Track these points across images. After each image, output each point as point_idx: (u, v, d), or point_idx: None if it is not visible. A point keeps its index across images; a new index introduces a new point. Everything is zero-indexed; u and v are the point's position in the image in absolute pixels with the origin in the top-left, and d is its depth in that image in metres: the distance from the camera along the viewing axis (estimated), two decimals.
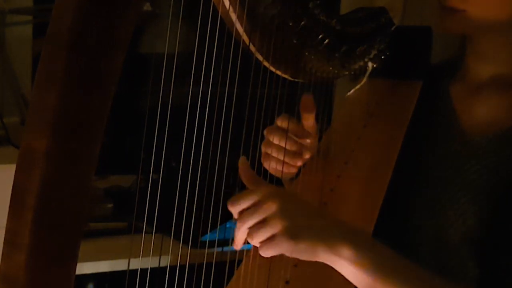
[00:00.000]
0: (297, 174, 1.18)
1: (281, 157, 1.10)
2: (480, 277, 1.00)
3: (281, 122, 1.10)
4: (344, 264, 0.86)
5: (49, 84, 0.61)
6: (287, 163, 1.11)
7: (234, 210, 0.88)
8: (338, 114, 1.29)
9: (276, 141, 1.10)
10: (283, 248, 0.85)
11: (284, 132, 1.09)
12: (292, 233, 0.85)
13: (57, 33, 0.60)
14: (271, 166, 1.13)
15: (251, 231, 0.86)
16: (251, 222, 0.86)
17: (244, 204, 0.87)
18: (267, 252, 0.86)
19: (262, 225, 0.85)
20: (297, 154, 1.12)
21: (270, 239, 0.85)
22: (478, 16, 1.02)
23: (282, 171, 1.12)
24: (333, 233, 0.87)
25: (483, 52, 1.09)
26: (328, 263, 0.87)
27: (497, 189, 1.02)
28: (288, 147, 1.09)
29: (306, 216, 0.88)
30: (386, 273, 0.87)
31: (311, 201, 1.12)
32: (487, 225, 1.01)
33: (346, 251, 0.85)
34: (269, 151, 1.12)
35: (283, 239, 0.84)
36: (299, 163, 1.13)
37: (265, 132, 1.12)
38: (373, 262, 0.87)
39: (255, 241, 0.86)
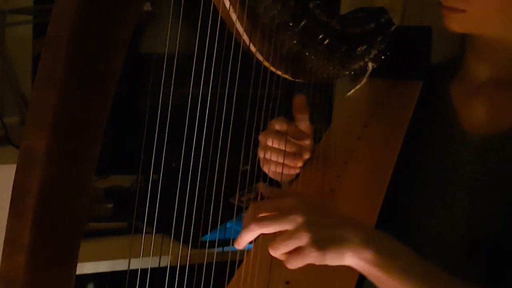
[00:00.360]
0: (296, 177, 1.18)
1: (281, 160, 1.10)
2: (481, 277, 1.00)
3: (279, 125, 1.10)
4: (368, 268, 0.88)
5: (49, 84, 0.61)
6: (287, 165, 1.11)
7: (254, 213, 0.88)
8: (338, 114, 1.29)
9: (275, 144, 1.10)
10: (311, 259, 0.86)
11: (280, 135, 1.09)
12: (320, 244, 0.86)
13: (57, 33, 0.60)
14: (271, 170, 1.13)
15: (276, 243, 0.86)
16: (270, 228, 0.87)
17: (267, 210, 0.88)
18: (294, 264, 0.87)
19: (288, 237, 0.86)
20: (297, 155, 1.12)
21: (297, 251, 0.86)
22: (478, 16, 1.02)
23: (282, 174, 1.12)
24: (356, 238, 0.88)
25: (483, 52, 1.09)
26: (353, 266, 0.89)
27: (498, 189, 1.02)
28: (288, 149, 1.09)
29: (331, 226, 0.89)
30: (408, 275, 0.89)
31: None
32: (487, 225, 1.01)
33: (368, 254, 0.87)
34: (268, 156, 1.12)
35: (312, 251, 0.86)
36: (300, 164, 1.13)
37: (260, 137, 1.12)
38: (395, 265, 0.89)
39: (279, 253, 0.87)
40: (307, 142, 1.12)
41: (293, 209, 0.87)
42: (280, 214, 0.87)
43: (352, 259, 0.87)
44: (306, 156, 1.14)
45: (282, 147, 1.09)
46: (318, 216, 0.89)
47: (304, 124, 1.11)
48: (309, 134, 1.13)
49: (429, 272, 0.91)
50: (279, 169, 1.12)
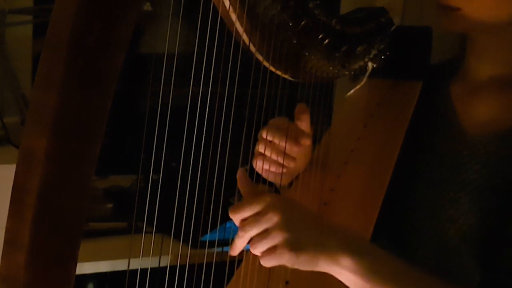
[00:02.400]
0: (296, 177, 1.18)
1: (274, 157, 1.10)
2: (480, 278, 1.00)
3: (280, 122, 1.10)
4: (344, 273, 0.88)
5: (49, 84, 0.61)
6: (279, 163, 1.11)
7: (235, 218, 0.89)
8: (338, 114, 1.29)
9: (273, 138, 1.10)
10: (284, 260, 0.86)
11: (281, 132, 1.09)
12: (293, 245, 0.86)
13: (57, 33, 0.60)
14: (263, 167, 1.12)
15: (253, 241, 0.87)
16: (253, 232, 0.87)
17: (246, 213, 0.88)
18: (268, 263, 0.87)
19: (264, 236, 0.86)
20: (292, 155, 1.12)
21: (272, 250, 0.86)
22: (474, 14, 1.02)
23: (269, 170, 1.12)
24: (333, 243, 0.88)
25: (482, 52, 1.09)
26: (328, 272, 0.88)
27: (498, 188, 1.02)
28: (284, 146, 1.09)
29: (307, 228, 0.89)
30: (385, 280, 0.89)
31: (311, 202, 1.12)
32: (487, 225, 1.01)
33: (346, 261, 0.87)
34: (262, 150, 1.11)
35: (285, 251, 0.86)
36: (292, 165, 1.13)
37: (260, 131, 1.11)
38: (372, 270, 0.88)
39: (257, 251, 0.87)
40: (307, 143, 1.12)
41: (269, 208, 0.87)
42: (258, 215, 0.87)
43: (326, 264, 0.87)
44: (301, 158, 1.13)
45: (280, 143, 1.09)
46: (295, 217, 0.89)
47: (305, 125, 1.11)
48: (309, 135, 1.12)
49: (411, 276, 0.91)
50: (269, 167, 1.11)
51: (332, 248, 0.87)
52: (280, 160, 1.10)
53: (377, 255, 0.91)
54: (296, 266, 0.87)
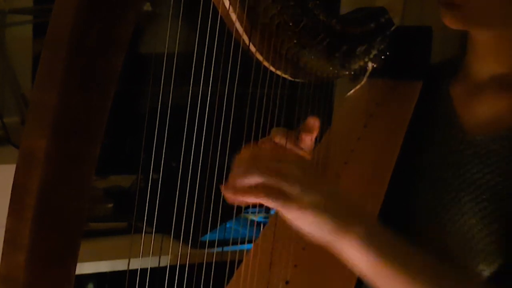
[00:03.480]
0: None
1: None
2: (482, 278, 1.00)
3: (279, 139, 1.08)
4: (350, 244, 0.86)
5: (49, 84, 0.61)
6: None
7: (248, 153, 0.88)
8: (338, 114, 1.29)
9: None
10: (288, 211, 0.84)
11: (278, 147, 1.08)
12: (305, 185, 0.84)
13: (57, 33, 0.60)
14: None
15: (269, 168, 0.85)
16: (270, 178, 0.85)
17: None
18: (268, 199, 0.84)
19: (284, 176, 0.84)
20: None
21: (281, 194, 0.84)
22: (475, 11, 1.02)
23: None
24: (343, 208, 0.87)
25: (483, 51, 1.09)
26: (333, 241, 0.86)
27: (500, 188, 1.02)
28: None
29: (325, 182, 0.89)
30: (392, 258, 0.88)
31: None
32: (489, 225, 1.01)
33: (357, 227, 0.86)
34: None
35: (294, 203, 0.84)
36: None
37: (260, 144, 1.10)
38: (380, 244, 0.88)
39: (264, 178, 0.85)
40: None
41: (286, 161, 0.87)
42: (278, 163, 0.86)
43: (329, 234, 0.86)
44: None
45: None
46: (317, 178, 0.88)
47: (307, 143, 1.09)
48: (309, 152, 1.11)
49: (417, 258, 0.91)
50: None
51: (339, 218, 0.86)
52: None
53: (387, 231, 0.90)
54: (296, 222, 0.85)
